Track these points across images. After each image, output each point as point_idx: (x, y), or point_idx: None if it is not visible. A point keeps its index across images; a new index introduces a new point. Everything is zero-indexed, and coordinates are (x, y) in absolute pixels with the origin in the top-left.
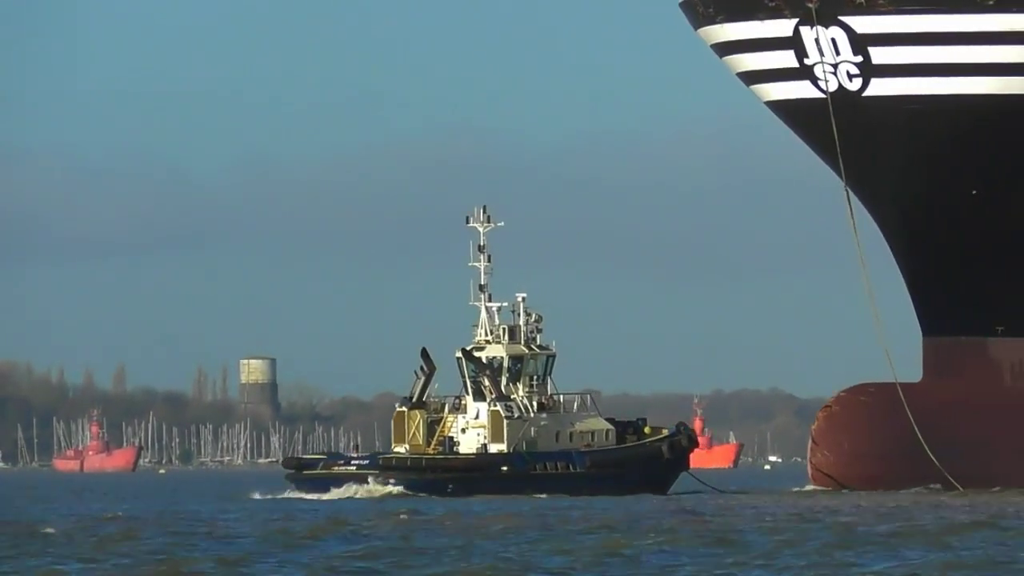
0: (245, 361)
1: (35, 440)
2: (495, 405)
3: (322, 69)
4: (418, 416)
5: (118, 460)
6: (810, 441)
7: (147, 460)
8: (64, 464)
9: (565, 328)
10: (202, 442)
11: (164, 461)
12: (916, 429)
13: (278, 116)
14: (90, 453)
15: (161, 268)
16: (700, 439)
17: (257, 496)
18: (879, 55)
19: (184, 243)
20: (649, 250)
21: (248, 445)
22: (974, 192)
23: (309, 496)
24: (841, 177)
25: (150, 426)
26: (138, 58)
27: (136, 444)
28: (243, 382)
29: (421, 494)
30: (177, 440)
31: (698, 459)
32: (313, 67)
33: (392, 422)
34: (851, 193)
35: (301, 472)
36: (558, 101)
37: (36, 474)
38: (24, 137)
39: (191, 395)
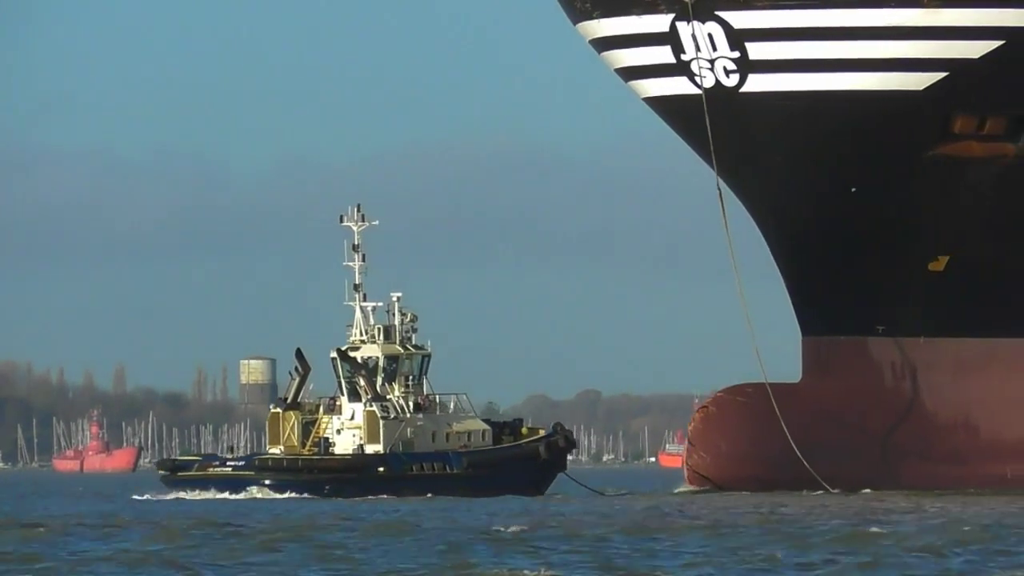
0: (245, 361)
1: (35, 440)
2: (371, 405)
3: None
4: (293, 417)
5: (118, 460)
6: (686, 442)
7: (147, 460)
8: (64, 464)
9: (561, 328)
10: (202, 442)
11: None
12: (785, 430)
13: (286, 118)
14: (90, 453)
15: (161, 268)
16: None
17: (137, 497)
18: (756, 51)
19: (184, 244)
20: (649, 249)
21: (248, 445)
22: (853, 190)
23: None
24: (715, 175)
25: (150, 426)
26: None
27: (136, 444)
28: (243, 382)
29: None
30: (177, 440)
31: None
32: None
33: (267, 423)
34: (728, 192)
35: (175, 474)
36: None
37: (35, 474)
38: (41, 140)
39: (191, 395)
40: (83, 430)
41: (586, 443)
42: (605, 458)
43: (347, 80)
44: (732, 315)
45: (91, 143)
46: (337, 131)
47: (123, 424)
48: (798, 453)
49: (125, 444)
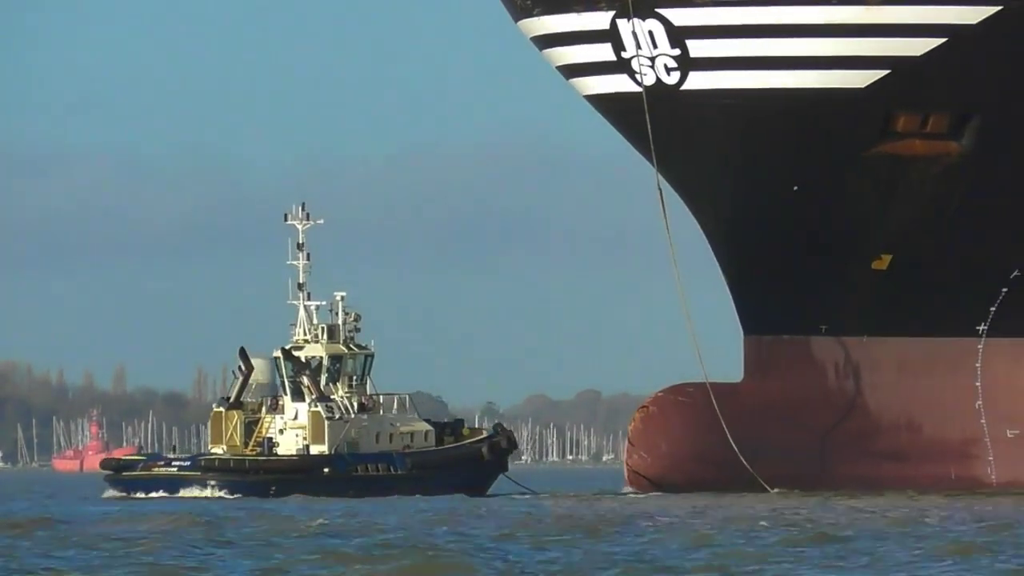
0: None
1: (35, 440)
2: (316, 405)
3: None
4: (235, 417)
5: None
6: (626, 442)
7: None
8: (64, 464)
9: (561, 328)
10: (202, 442)
11: None
12: (726, 429)
13: (295, 119)
14: (90, 453)
15: (161, 268)
16: None
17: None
18: (697, 48)
19: (185, 244)
20: (649, 248)
21: None
22: (795, 188)
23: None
24: (655, 173)
25: (150, 426)
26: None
27: (136, 444)
28: None
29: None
30: (177, 440)
31: None
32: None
33: (209, 423)
34: (670, 191)
35: (120, 473)
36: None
37: (35, 474)
38: (45, 140)
39: (191, 395)
40: (83, 430)
41: (586, 443)
42: (605, 458)
43: (351, 82)
44: (729, 314)
45: (93, 144)
46: (341, 132)
47: (123, 424)
48: (738, 453)
49: (125, 444)
